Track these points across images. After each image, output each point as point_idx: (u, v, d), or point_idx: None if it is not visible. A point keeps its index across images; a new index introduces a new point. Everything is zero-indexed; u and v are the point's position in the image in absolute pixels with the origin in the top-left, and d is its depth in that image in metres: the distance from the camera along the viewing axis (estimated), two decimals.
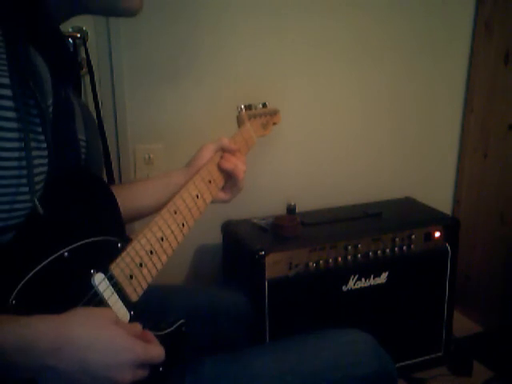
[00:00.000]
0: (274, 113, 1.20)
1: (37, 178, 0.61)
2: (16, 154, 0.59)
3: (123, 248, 0.74)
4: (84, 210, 0.70)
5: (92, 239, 0.69)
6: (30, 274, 0.60)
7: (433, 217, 1.61)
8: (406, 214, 1.64)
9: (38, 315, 0.57)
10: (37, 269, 0.60)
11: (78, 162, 0.74)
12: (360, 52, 1.66)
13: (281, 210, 1.55)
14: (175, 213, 0.84)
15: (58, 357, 0.55)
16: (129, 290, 0.73)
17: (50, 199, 0.63)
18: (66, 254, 0.64)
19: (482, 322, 1.84)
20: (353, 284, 1.44)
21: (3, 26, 0.61)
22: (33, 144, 0.61)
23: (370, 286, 1.47)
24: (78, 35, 1.30)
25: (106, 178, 1.10)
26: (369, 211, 1.60)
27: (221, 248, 1.57)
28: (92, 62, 1.29)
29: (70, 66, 0.77)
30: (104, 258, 0.70)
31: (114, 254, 0.72)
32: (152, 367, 0.66)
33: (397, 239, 1.48)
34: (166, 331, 0.76)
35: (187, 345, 0.80)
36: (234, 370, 0.83)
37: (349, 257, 1.43)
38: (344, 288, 1.44)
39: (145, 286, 0.76)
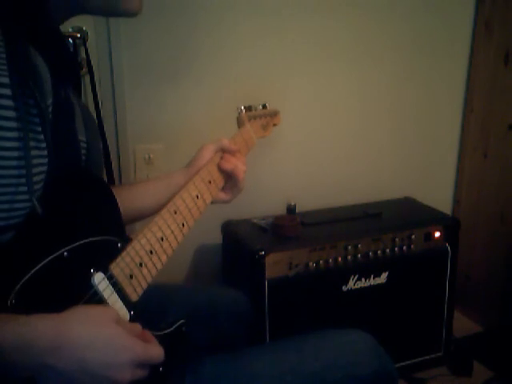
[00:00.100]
0: (274, 114, 1.19)
1: (36, 178, 0.61)
2: (15, 154, 0.59)
3: (123, 248, 0.73)
4: (84, 210, 0.70)
5: (92, 239, 0.68)
6: (30, 274, 0.60)
7: (433, 217, 1.61)
8: (405, 214, 1.65)
9: (37, 314, 0.57)
10: (36, 268, 0.60)
11: (78, 162, 0.74)
12: (360, 52, 1.66)
13: (281, 210, 1.56)
14: (175, 213, 0.84)
15: (57, 356, 0.55)
16: (129, 290, 0.73)
17: (49, 199, 0.63)
18: (65, 253, 0.64)
19: (482, 322, 1.84)
20: (353, 284, 1.44)
21: (3, 25, 0.61)
22: (32, 144, 0.61)
23: (370, 286, 1.47)
24: (78, 35, 1.30)
25: (106, 178, 1.10)
26: (369, 211, 1.60)
27: (221, 248, 1.57)
28: (92, 62, 1.28)
29: (69, 66, 0.77)
30: (104, 258, 0.70)
31: (113, 253, 0.72)
32: (152, 367, 0.66)
33: (397, 239, 1.48)
34: (166, 331, 0.76)
35: (187, 345, 0.80)
36: (233, 370, 0.83)
37: (349, 257, 1.43)
38: (344, 288, 1.44)
39: (145, 285, 0.76)
